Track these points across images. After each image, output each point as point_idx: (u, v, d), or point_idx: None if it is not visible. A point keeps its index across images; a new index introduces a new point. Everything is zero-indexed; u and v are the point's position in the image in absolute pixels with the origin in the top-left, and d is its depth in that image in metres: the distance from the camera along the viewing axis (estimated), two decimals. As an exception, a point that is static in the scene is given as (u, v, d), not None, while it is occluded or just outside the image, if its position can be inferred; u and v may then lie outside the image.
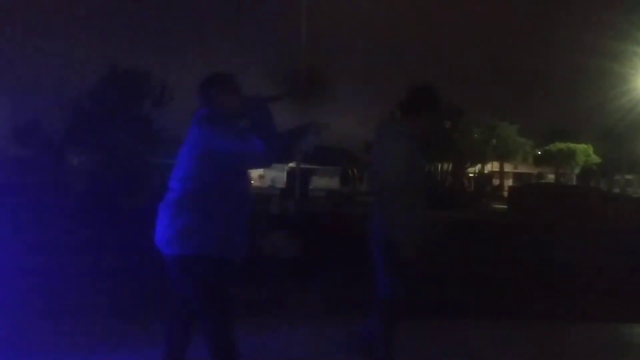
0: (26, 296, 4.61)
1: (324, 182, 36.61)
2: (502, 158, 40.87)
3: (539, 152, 44.38)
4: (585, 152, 41.37)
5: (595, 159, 41.23)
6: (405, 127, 3.13)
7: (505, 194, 29.18)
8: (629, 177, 44.25)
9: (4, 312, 3.82)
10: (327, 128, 3.00)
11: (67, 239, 7.89)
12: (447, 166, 28.29)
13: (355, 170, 36.29)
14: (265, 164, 2.73)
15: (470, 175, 33.11)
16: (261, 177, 49.90)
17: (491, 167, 41.52)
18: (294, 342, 3.74)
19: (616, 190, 39.48)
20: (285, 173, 33.21)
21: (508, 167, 45.22)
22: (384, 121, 3.37)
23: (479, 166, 31.47)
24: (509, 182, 40.25)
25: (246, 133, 2.55)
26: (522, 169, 48.31)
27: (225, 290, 2.58)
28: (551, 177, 45.36)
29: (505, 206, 25.42)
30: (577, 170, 42.84)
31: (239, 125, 2.63)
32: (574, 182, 41.45)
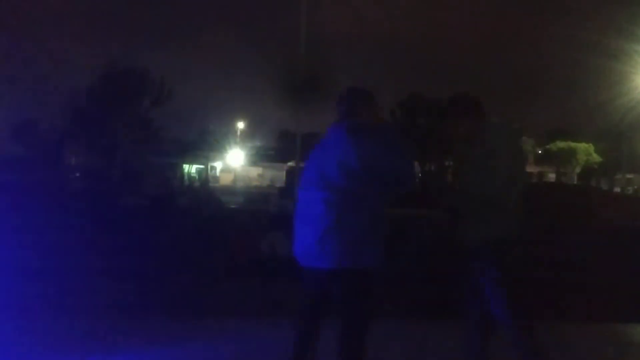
0: (25, 296, 4.59)
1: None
2: (502, 157, 40.82)
3: (540, 151, 44.39)
4: (586, 151, 41.36)
5: (596, 158, 41.22)
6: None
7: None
8: (629, 176, 44.24)
9: (3, 312, 3.81)
10: None
11: (66, 238, 7.87)
12: (447, 165, 28.28)
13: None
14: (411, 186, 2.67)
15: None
16: (260, 176, 49.92)
17: (491, 166, 41.47)
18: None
19: (617, 189, 39.47)
20: (284, 172, 33.19)
21: (508, 166, 45.15)
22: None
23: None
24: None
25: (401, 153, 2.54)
26: (523, 168, 48.25)
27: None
28: (552, 176, 45.35)
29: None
30: (578, 170, 42.81)
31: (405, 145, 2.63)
32: (575, 181, 41.40)
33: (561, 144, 42.18)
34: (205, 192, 15.65)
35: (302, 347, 2.70)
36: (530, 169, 48.12)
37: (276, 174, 44.65)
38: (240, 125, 49.28)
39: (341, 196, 2.45)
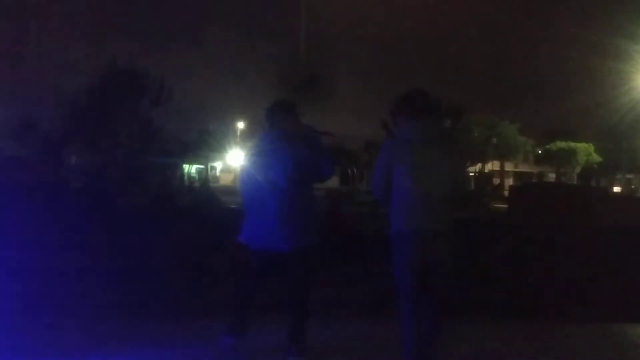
0: (24, 296, 4.59)
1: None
2: (502, 157, 40.88)
3: (540, 151, 44.41)
4: (586, 151, 41.37)
5: (596, 158, 41.24)
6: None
7: (506, 193, 29.14)
8: (629, 176, 44.26)
9: (3, 313, 3.81)
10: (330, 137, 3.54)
11: (65, 238, 7.86)
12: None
13: (354, 169, 36.29)
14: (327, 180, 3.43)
15: (471, 174, 33.11)
16: (260, 176, 49.87)
17: (492, 166, 41.53)
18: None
19: (617, 189, 39.46)
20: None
21: (509, 166, 45.24)
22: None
23: (479, 165, 31.45)
24: (509, 181, 40.25)
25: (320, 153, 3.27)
26: (523, 168, 48.33)
27: None
28: (552, 176, 45.35)
29: (505, 205, 25.37)
30: (577, 170, 42.82)
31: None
32: (575, 181, 41.41)
33: (561, 144, 42.19)
34: (205, 192, 15.65)
35: (243, 309, 3.45)
36: (531, 169, 48.14)
37: (276, 174, 44.58)
38: (241, 125, 49.28)
39: (286, 193, 3.17)
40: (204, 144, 40.35)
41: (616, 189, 38.51)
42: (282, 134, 3.27)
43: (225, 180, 45.83)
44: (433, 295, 3.07)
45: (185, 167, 38.38)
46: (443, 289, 3.14)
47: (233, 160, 48.25)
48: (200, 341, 3.62)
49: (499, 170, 41.37)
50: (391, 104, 3.30)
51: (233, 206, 14.97)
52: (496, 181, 36.86)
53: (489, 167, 40.52)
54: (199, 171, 43.48)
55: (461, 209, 3.31)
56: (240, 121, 49.51)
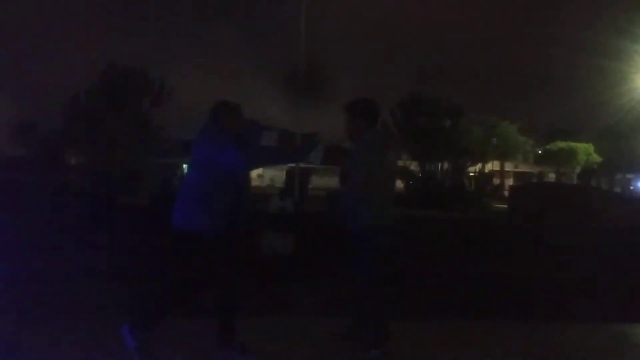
0: (24, 296, 4.59)
1: (323, 181, 36.69)
2: (502, 157, 40.83)
3: (540, 151, 44.37)
4: (586, 151, 41.34)
5: (596, 158, 41.20)
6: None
7: (506, 193, 29.14)
8: (629, 176, 44.26)
9: (3, 313, 3.81)
10: (319, 138, 3.51)
11: (65, 238, 7.87)
12: (448, 166, 28.24)
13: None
14: (240, 171, 3.46)
15: (471, 174, 33.08)
16: (260, 176, 49.88)
17: (492, 166, 41.50)
18: (292, 341, 3.72)
19: (617, 189, 39.48)
20: (284, 172, 33.20)
21: (509, 166, 45.20)
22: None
23: (479, 165, 31.40)
24: (509, 182, 40.24)
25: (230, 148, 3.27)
26: (523, 168, 48.30)
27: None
28: (552, 176, 45.33)
29: (505, 205, 25.38)
30: (578, 170, 42.81)
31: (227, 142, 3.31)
32: (575, 181, 41.42)
33: (561, 144, 42.16)
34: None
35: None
36: (531, 169, 48.12)
37: (276, 174, 44.61)
38: (241, 125, 49.23)
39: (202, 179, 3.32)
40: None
41: (616, 190, 38.53)
42: (206, 131, 3.41)
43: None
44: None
45: (185, 167, 38.28)
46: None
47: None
48: (200, 341, 3.62)
49: (499, 170, 41.33)
50: (350, 108, 3.56)
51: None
52: (496, 181, 36.85)
53: (489, 167, 40.47)
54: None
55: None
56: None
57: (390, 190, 3.56)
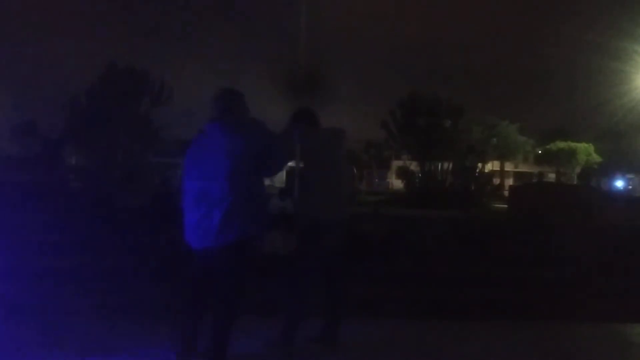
0: (25, 296, 4.59)
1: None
2: (502, 157, 40.85)
3: (540, 151, 44.38)
4: (586, 151, 41.35)
5: (596, 158, 41.21)
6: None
7: (506, 193, 29.13)
8: (630, 176, 44.26)
9: (2, 313, 3.81)
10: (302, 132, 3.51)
11: (65, 239, 7.87)
12: (448, 166, 28.23)
13: (355, 169, 36.19)
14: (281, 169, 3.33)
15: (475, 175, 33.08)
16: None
17: (492, 166, 41.50)
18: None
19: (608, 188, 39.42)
20: (284, 172, 33.21)
21: (509, 166, 45.21)
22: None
23: (479, 165, 31.43)
24: (509, 182, 40.23)
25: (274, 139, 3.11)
26: (523, 168, 48.31)
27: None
28: (552, 176, 45.33)
29: (505, 205, 25.36)
30: (577, 170, 42.82)
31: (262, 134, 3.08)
32: (575, 182, 41.42)
33: (561, 144, 42.17)
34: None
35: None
36: (530, 169, 48.11)
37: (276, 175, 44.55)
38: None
39: (229, 183, 2.91)
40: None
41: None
42: (228, 122, 3.02)
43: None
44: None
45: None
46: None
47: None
48: (200, 341, 3.61)
49: (499, 170, 41.34)
50: (295, 115, 3.70)
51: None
52: (496, 181, 36.86)
53: (489, 167, 40.49)
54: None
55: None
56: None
57: (338, 187, 3.55)
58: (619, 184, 30.64)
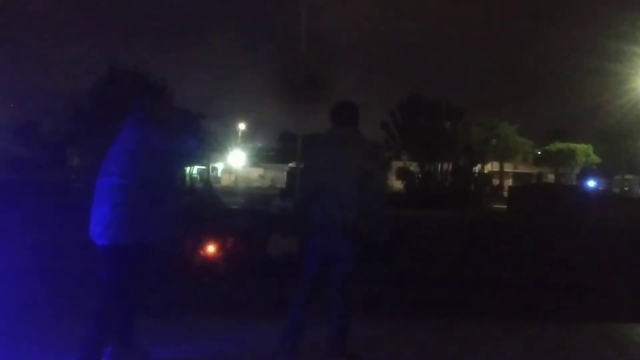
0: (25, 296, 4.61)
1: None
2: (502, 158, 40.88)
3: (539, 152, 44.43)
4: (585, 152, 41.41)
5: (595, 158, 41.26)
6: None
7: (505, 194, 29.17)
8: (628, 177, 44.29)
9: (3, 313, 3.83)
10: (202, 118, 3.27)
11: (66, 239, 7.88)
12: (447, 166, 28.25)
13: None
14: (196, 162, 3.02)
15: (472, 175, 33.12)
16: (261, 176, 49.87)
17: (491, 167, 41.53)
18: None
19: (616, 190, 39.50)
20: (285, 173, 33.22)
21: (508, 167, 45.23)
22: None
23: (479, 166, 31.47)
24: (508, 182, 40.26)
25: (183, 136, 2.94)
26: (522, 168, 48.32)
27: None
28: (551, 177, 45.35)
29: (505, 206, 25.39)
30: (577, 170, 42.85)
31: (176, 129, 2.97)
32: (574, 182, 41.47)
33: (560, 145, 42.22)
34: (208, 192, 15.67)
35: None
36: (530, 169, 48.14)
37: (277, 175, 44.65)
38: (242, 126, 49.28)
39: (130, 180, 2.77)
40: (205, 145, 40.26)
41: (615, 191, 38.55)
42: (137, 117, 2.99)
43: (227, 181, 45.81)
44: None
45: (187, 167, 38.17)
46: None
47: (234, 161, 48.23)
48: (200, 341, 3.65)
49: (498, 171, 41.37)
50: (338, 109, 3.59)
51: (234, 207, 15.00)
52: (495, 182, 36.88)
53: (488, 168, 40.51)
54: (200, 172, 43.46)
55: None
56: (242, 122, 49.46)
57: (337, 189, 3.35)
58: (591, 184, 30.88)
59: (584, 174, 34.87)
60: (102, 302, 2.87)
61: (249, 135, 50.46)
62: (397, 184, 33.44)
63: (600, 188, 34.03)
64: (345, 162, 3.34)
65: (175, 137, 2.90)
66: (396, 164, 33.08)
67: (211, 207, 12.07)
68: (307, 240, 3.46)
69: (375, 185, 3.38)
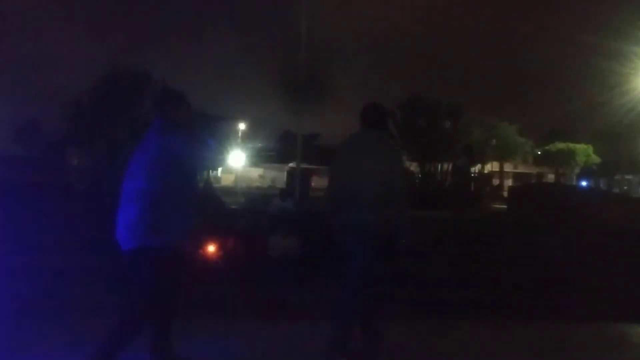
0: (25, 296, 4.61)
1: (324, 181, 36.69)
2: (502, 158, 40.87)
3: (539, 152, 44.41)
4: (585, 152, 41.39)
5: (595, 158, 41.24)
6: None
7: (505, 194, 29.15)
8: (628, 177, 44.29)
9: (3, 312, 3.83)
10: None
11: (67, 239, 7.88)
12: (447, 166, 28.27)
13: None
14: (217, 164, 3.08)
15: (470, 175, 33.14)
16: (261, 177, 49.87)
17: (491, 167, 41.53)
18: (292, 342, 3.75)
19: (616, 190, 39.49)
20: (285, 173, 33.20)
21: (508, 167, 45.22)
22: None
23: (479, 166, 31.46)
24: (508, 182, 40.26)
25: (205, 140, 3.04)
26: (522, 168, 48.31)
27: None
28: (551, 177, 45.35)
29: (505, 206, 25.37)
30: (577, 170, 42.85)
31: (198, 133, 3.07)
32: (574, 182, 41.45)
33: (560, 145, 42.19)
34: (208, 193, 15.67)
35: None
36: (530, 169, 48.15)
37: (277, 175, 44.64)
38: (242, 126, 49.27)
39: (155, 184, 2.83)
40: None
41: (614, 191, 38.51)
42: (158, 124, 3.03)
43: (227, 181, 45.82)
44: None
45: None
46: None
47: (234, 161, 48.24)
48: (200, 341, 3.65)
49: (498, 171, 41.36)
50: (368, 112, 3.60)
51: (234, 207, 14.99)
52: (495, 182, 36.86)
53: (488, 168, 40.50)
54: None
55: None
56: (242, 122, 49.49)
57: (359, 192, 3.37)
58: (584, 183, 31.39)
59: (584, 174, 34.97)
60: (135, 309, 2.92)
61: (249, 135, 50.47)
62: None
63: (599, 188, 34.10)
64: (368, 164, 3.38)
65: (197, 141, 3.01)
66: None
67: (211, 207, 12.05)
68: (339, 242, 3.50)
69: (397, 187, 3.42)
